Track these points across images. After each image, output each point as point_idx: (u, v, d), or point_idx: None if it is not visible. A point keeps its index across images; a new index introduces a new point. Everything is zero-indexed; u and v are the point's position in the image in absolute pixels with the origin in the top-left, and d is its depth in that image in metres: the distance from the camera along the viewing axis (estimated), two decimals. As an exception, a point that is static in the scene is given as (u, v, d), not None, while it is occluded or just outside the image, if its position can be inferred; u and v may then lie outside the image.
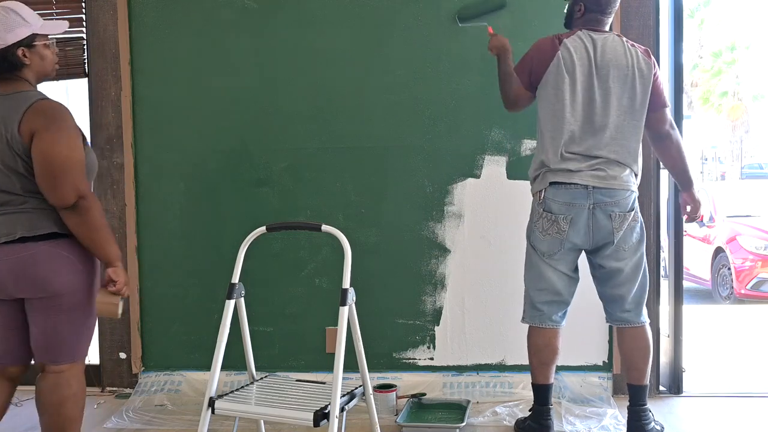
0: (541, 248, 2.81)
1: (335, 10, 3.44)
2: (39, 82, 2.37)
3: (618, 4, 2.86)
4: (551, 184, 2.75)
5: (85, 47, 3.58)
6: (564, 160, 2.72)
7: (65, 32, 3.57)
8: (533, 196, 2.86)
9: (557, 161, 2.73)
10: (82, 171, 2.22)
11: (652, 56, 2.81)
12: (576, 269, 2.87)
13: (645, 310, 2.87)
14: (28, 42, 2.28)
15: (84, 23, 3.57)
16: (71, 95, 3.74)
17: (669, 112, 2.89)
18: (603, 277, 2.86)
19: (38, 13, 2.37)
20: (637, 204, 2.81)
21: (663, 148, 2.94)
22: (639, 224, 2.82)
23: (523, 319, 2.93)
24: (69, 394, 2.31)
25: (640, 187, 3.33)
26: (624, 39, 2.82)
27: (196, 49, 3.52)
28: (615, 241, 2.74)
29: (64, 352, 2.30)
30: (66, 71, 3.60)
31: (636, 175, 2.81)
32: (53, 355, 2.30)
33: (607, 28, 2.85)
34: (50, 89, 3.43)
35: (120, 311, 2.27)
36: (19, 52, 2.26)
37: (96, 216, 2.23)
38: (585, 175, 2.71)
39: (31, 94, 2.25)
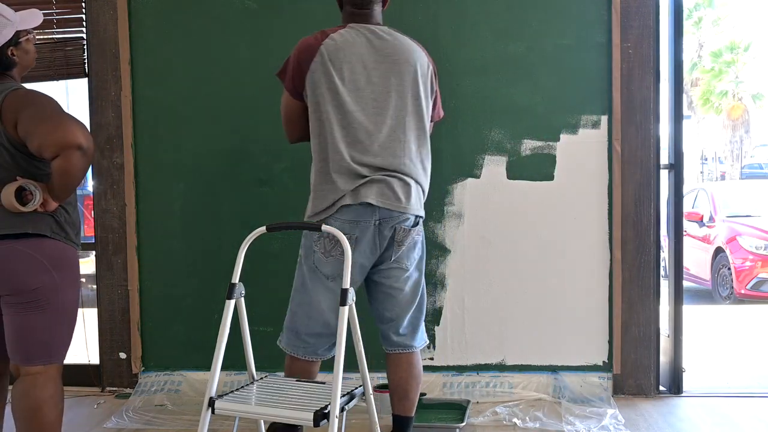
0: (324, 271, 2.44)
1: (335, 10, 3.42)
2: (22, 75, 2.37)
3: None
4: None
5: (85, 47, 3.59)
6: (346, 175, 2.37)
7: (65, 32, 3.61)
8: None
9: (337, 177, 2.37)
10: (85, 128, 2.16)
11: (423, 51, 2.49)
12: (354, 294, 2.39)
13: (422, 334, 2.60)
14: (15, 40, 2.28)
15: (84, 23, 3.58)
16: (71, 95, 3.74)
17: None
18: (380, 297, 2.55)
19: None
20: (420, 218, 2.53)
21: None
22: (421, 240, 2.54)
23: (280, 342, 2.58)
24: (45, 397, 2.22)
25: (640, 187, 3.36)
26: (400, 32, 2.49)
27: (196, 49, 3.52)
28: (393, 257, 2.45)
29: (37, 352, 2.23)
30: (66, 71, 3.61)
31: (423, 192, 2.49)
32: (25, 354, 2.23)
33: (376, 20, 2.49)
34: (50, 89, 3.44)
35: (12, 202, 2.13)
36: (9, 52, 2.27)
37: (82, 170, 2.16)
38: (369, 192, 2.35)
39: (6, 85, 2.23)
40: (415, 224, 2.49)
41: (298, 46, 2.45)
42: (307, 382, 2.48)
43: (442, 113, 2.65)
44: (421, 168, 2.48)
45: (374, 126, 2.39)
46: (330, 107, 2.38)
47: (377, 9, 2.51)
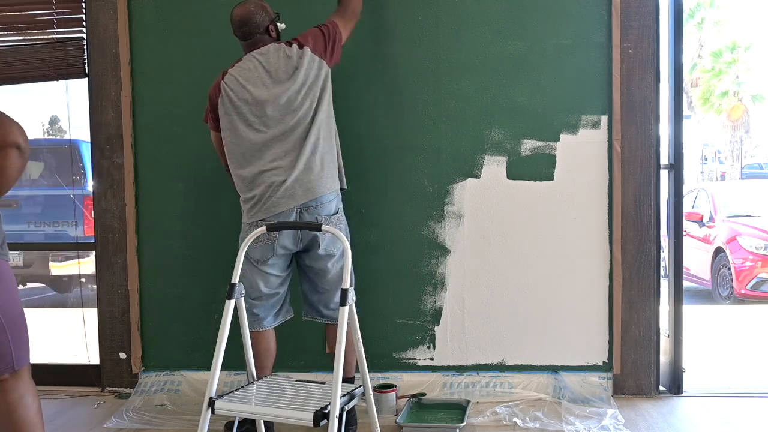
0: (254, 256, 2.85)
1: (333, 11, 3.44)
2: None
3: (253, 25, 2.90)
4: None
5: (85, 47, 3.59)
6: (264, 176, 2.81)
7: (65, 32, 3.61)
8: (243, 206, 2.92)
9: (258, 178, 2.82)
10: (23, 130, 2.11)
11: (292, 40, 2.93)
12: (288, 267, 2.94)
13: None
14: None
15: (84, 23, 3.58)
16: (71, 95, 3.74)
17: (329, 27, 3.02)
18: (312, 277, 2.94)
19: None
20: (341, 206, 2.93)
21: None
22: (344, 226, 2.95)
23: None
24: (15, 398, 2.20)
25: (640, 187, 3.36)
26: (282, 43, 2.92)
27: (196, 49, 3.52)
28: (321, 244, 2.83)
29: (3, 365, 2.17)
30: (66, 71, 3.61)
31: (333, 176, 2.89)
32: None
33: (264, 46, 2.92)
34: (50, 89, 3.44)
35: None
36: None
37: (18, 170, 2.11)
38: (290, 184, 2.78)
39: None
40: (336, 212, 2.91)
41: (210, 91, 2.95)
42: (307, 382, 2.48)
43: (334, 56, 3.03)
44: (332, 155, 2.95)
45: (281, 131, 2.87)
46: (242, 124, 2.88)
47: (260, 37, 2.95)
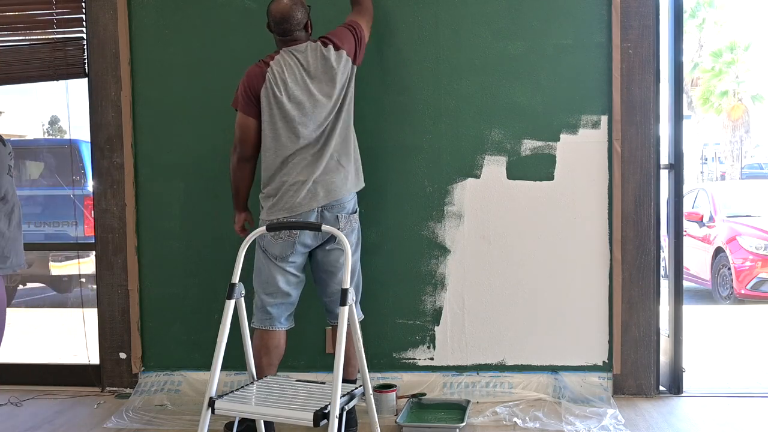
0: (273, 252, 2.85)
1: (335, 11, 3.44)
2: None
3: (295, 22, 2.89)
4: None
5: (85, 47, 3.59)
6: (290, 174, 2.83)
7: (65, 32, 3.61)
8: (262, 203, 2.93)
9: (283, 176, 2.84)
10: None
11: (327, 40, 2.93)
12: (304, 269, 2.95)
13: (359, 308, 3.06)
14: None
15: (84, 23, 3.58)
16: (71, 95, 3.74)
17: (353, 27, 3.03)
18: (324, 276, 2.95)
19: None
20: (357, 206, 2.99)
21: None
22: (358, 226, 2.99)
23: (252, 323, 2.90)
24: None
25: (640, 187, 3.36)
26: (318, 42, 2.93)
27: (196, 49, 3.52)
28: (337, 240, 2.83)
29: None
30: (66, 71, 3.62)
31: (353, 178, 2.94)
32: None
33: (301, 43, 2.93)
34: (50, 89, 3.43)
35: None
36: None
37: None
38: (312, 185, 2.82)
39: None
40: (354, 210, 2.96)
41: (248, 74, 2.92)
42: (307, 382, 2.48)
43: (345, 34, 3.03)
44: (353, 156, 3.03)
45: (315, 133, 2.90)
46: (281, 122, 2.86)
47: (301, 33, 2.95)
